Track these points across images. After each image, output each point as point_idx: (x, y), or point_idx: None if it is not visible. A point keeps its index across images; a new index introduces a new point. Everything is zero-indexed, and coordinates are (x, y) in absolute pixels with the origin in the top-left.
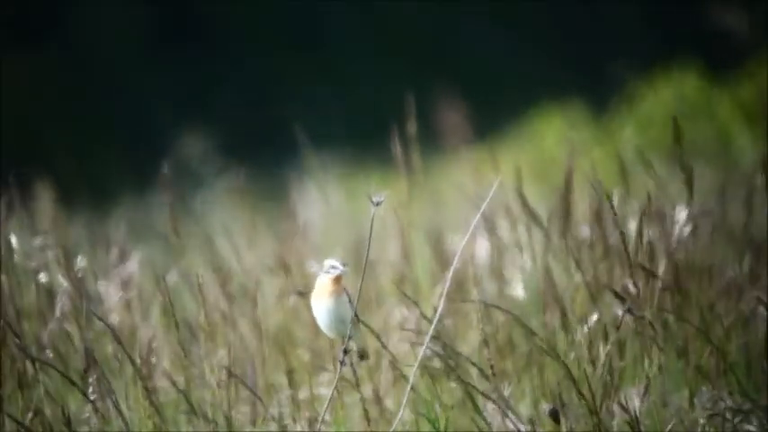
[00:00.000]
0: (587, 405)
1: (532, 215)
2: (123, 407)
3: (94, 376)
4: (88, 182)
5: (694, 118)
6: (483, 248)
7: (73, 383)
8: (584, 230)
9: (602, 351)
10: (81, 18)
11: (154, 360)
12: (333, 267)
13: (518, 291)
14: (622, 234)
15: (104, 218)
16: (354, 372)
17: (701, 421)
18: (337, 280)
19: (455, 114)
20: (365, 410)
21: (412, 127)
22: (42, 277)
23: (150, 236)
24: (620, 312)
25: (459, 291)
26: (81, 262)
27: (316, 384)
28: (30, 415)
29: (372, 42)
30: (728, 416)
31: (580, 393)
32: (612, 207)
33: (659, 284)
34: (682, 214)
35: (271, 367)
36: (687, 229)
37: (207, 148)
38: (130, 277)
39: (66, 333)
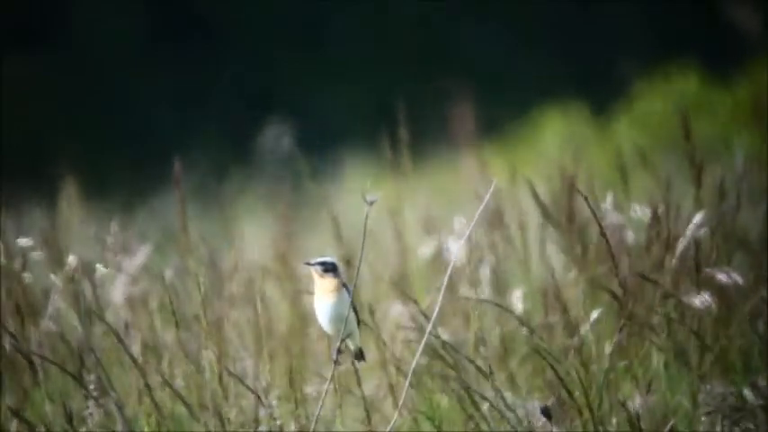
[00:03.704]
0: (586, 402)
1: (545, 212)
2: (122, 403)
3: (95, 375)
4: (90, 181)
5: (693, 117)
6: (477, 249)
7: (75, 380)
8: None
9: (605, 349)
10: (82, 18)
11: (155, 357)
12: (314, 265)
13: (517, 304)
14: (604, 235)
15: (109, 216)
16: (357, 371)
17: (702, 419)
18: (330, 277)
19: (461, 113)
20: (366, 411)
21: (412, 126)
22: (28, 278)
23: (158, 234)
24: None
25: (455, 291)
26: (76, 261)
27: (314, 383)
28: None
29: (373, 41)
30: (729, 413)
31: (582, 387)
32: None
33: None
34: (697, 217)
35: (271, 366)
36: (700, 232)
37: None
38: (136, 275)
39: (64, 331)
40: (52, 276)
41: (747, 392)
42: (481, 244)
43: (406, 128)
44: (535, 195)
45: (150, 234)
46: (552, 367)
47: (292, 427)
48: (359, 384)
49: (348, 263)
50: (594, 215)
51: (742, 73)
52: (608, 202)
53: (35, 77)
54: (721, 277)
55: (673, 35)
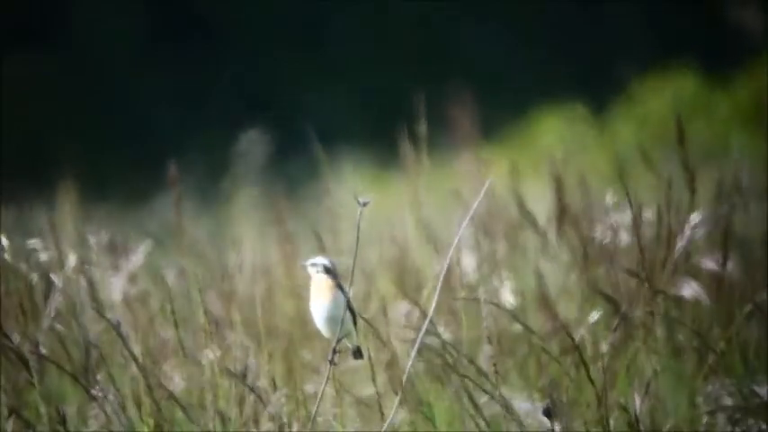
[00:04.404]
0: (593, 398)
1: (530, 219)
2: (122, 404)
3: (98, 375)
4: (90, 181)
5: (692, 118)
6: (473, 253)
7: (75, 379)
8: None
9: (603, 349)
10: (82, 18)
11: (156, 358)
12: (312, 265)
13: (507, 297)
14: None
15: (108, 216)
16: (370, 362)
17: (705, 420)
18: (325, 278)
19: (461, 113)
20: (367, 407)
21: (422, 127)
22: (33, 278)
23: (156, 234)
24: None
25: (453, 294)
26: (75, 260)
27: (315, 383)
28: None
29: (373, 41)
30: (729, 413)
31: (590, 380)
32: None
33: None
34: (693, 218)
35: (270, 366)
36: (697, 233)
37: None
38: (134, 274)
39: (63, 331)
40: (53, 276)
41: (747, 392)
42: (481, 245)
43: (403, 128)
44: (521, 205)
45: (149, 234)
46: (558, 362)
47: (292, 427)
48: (368, 381)
49: (329, 272)
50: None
51: (742, 73)
52: (608, 203)
53: (35, 77)
54: (710, 264)
55: (673, 35)
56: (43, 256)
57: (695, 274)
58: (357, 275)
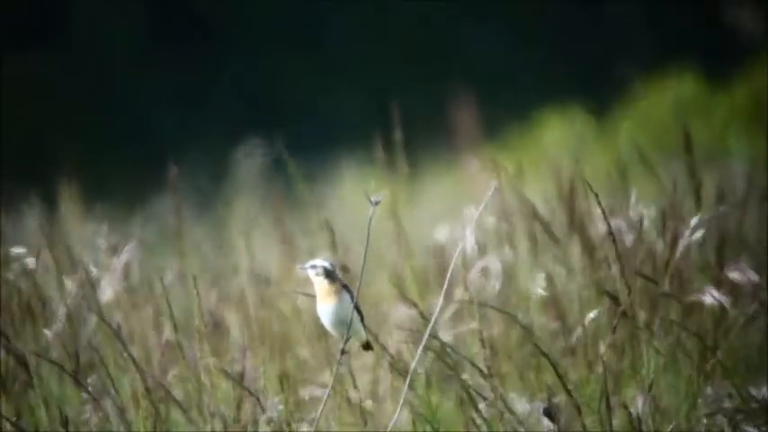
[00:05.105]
0: (582, 403)
1: (544, 226)
2: (122, 406)
3: (94, 375)
4: (90, 181)
5: (691, 118)
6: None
7: (77, 381)
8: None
9: (602, 350)
10: (82, 18)
11: (154, 360)
12: (312, 267)
13: (539, 289)
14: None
15: (108, 217)
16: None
17: (704, 421)
18: (326, 279)
19: (462, 115)
20: (362, 409)
21: (398, 133)
22: (24, 285)
23: (155, 235)
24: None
25: (456, 293)
26: (82, 264)
27: (313, 384)
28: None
29: (373, 41)
30: (729, 416)
31: (562, 383)
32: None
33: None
34: (693, 221)
35: (267, 369)
36: (697, 236)
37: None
38: (124, 273)
39: (65, 333)
40: (65, 279)
41: (749, 394)
42: (484, 245)
43: (402, 129)
44: (533, 210)
45: (147, 235)
46: (556, 365)
47: (292, 428)
48: (355, 386)
49: (344, 268)
50: (605, 217)
51: (742, 74)
52: (612, 204)
53: (35, 77)
54: (735, 275)
55: (673, 36)
56: (32, 263)
57: (712, 277)
58: (356, 277)
